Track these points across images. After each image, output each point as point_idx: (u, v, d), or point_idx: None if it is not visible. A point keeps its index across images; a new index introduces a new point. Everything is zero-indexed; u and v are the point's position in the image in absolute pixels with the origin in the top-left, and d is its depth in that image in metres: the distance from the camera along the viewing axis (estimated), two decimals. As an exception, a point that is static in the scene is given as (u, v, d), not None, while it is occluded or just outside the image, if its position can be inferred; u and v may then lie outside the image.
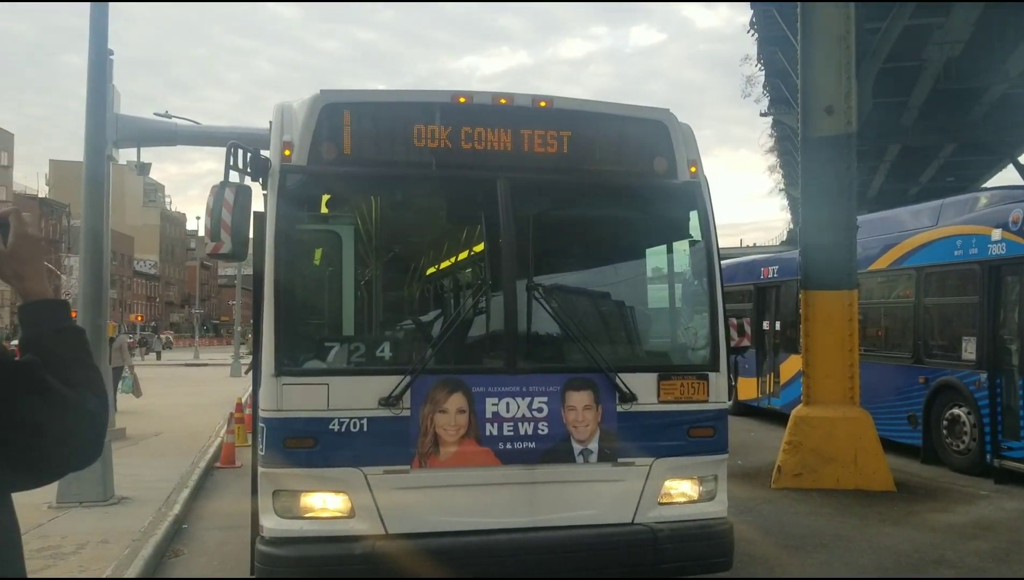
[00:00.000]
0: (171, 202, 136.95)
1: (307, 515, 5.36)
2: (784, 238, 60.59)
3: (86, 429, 1.84)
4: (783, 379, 17.27)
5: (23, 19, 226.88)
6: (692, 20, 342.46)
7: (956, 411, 12.13)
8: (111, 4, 10.36)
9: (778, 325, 17.83)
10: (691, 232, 6.29)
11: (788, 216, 58.15)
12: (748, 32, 28.11)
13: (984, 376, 11.56)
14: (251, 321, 6.72)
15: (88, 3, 10.12)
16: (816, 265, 11.68)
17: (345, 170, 5.75)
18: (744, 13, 27.37)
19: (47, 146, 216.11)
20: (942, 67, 25.22)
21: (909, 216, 14.57)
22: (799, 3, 12.47)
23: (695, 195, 6.15)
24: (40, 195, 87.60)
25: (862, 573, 7.51)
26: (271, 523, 5.33)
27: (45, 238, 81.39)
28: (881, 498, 10.44)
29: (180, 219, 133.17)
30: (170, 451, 13.91)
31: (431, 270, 7.81)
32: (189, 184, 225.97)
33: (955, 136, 30.09)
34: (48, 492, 9.17)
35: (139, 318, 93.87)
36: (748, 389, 18.57)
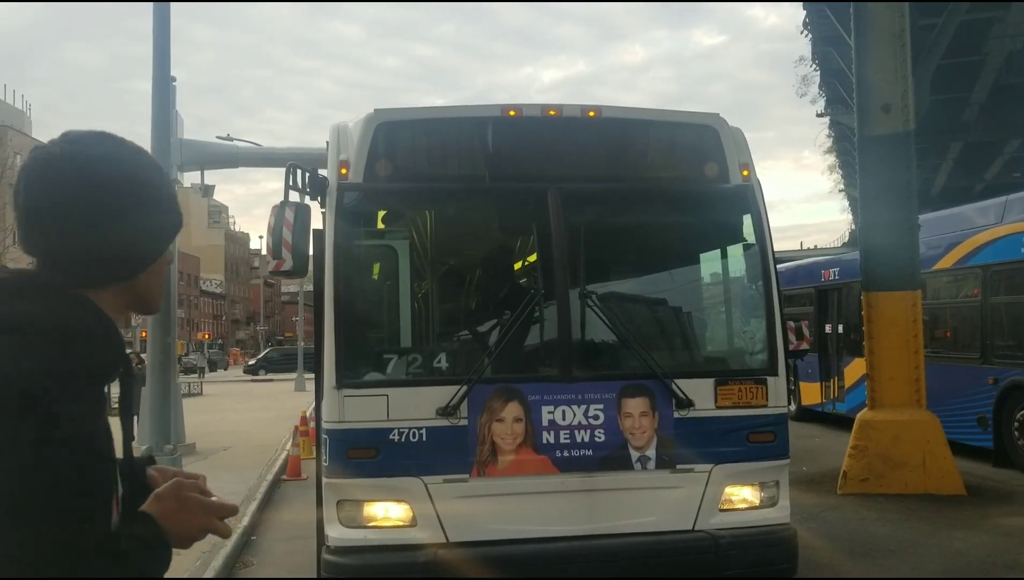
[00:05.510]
0: (235, 222, 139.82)
1: (370, 524, 5.47)
2: (846, 240, 59.43)
3: None
4: (847, 383, 16.93)
5: (93, 49, 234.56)
6: (755, 19, 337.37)
7: (1028, 412, 11.80)
8: (175, 31, 10.73)
9: (841, 328, 17.52)
10: (745, 235, 6.27)
11: (849, 217, 57.08)
12: (802, 32, 27.79)
13: (1056, 375, 11.23)
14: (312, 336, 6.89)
15: (151, 27, 10.46)
16: (878, 266, 11.48)
17: (400, 186, 5.88)
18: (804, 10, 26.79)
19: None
20: (1004, 61, 24.57)
21: (973, 213, 14.22)
22: (852, 2, 12.33)
23: (748, 198, 6.11)
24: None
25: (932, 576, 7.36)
26: (336, 532, 5.45)
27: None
28: (951, 502, 10.19)
29: (244, 239, 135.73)
30: (238, 465, 14.21)
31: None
32: (254, 204, 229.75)
33: (1020, 131, 29.26)
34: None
35: (206, 336, 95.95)
36: (811, 394, 18.29)
